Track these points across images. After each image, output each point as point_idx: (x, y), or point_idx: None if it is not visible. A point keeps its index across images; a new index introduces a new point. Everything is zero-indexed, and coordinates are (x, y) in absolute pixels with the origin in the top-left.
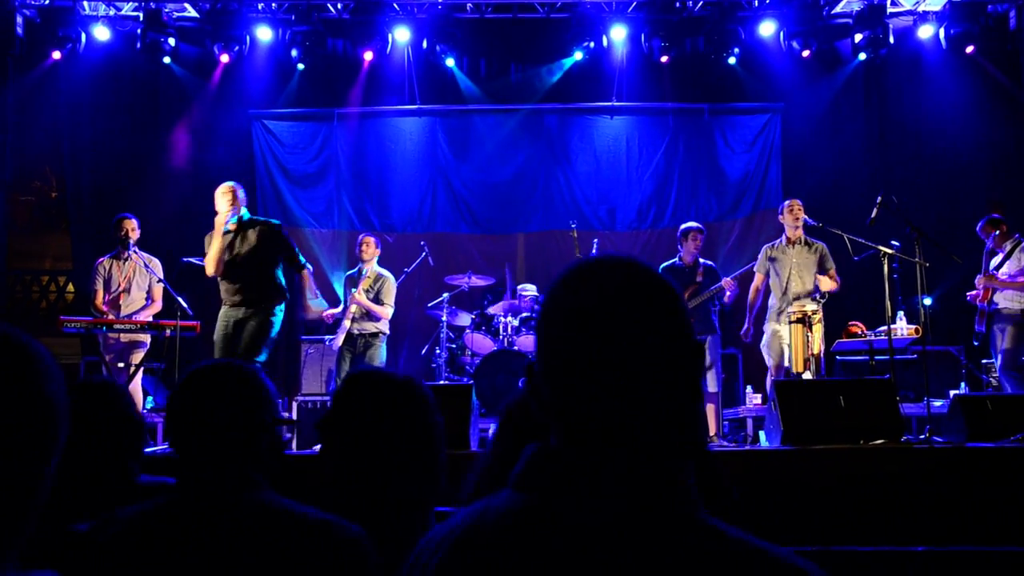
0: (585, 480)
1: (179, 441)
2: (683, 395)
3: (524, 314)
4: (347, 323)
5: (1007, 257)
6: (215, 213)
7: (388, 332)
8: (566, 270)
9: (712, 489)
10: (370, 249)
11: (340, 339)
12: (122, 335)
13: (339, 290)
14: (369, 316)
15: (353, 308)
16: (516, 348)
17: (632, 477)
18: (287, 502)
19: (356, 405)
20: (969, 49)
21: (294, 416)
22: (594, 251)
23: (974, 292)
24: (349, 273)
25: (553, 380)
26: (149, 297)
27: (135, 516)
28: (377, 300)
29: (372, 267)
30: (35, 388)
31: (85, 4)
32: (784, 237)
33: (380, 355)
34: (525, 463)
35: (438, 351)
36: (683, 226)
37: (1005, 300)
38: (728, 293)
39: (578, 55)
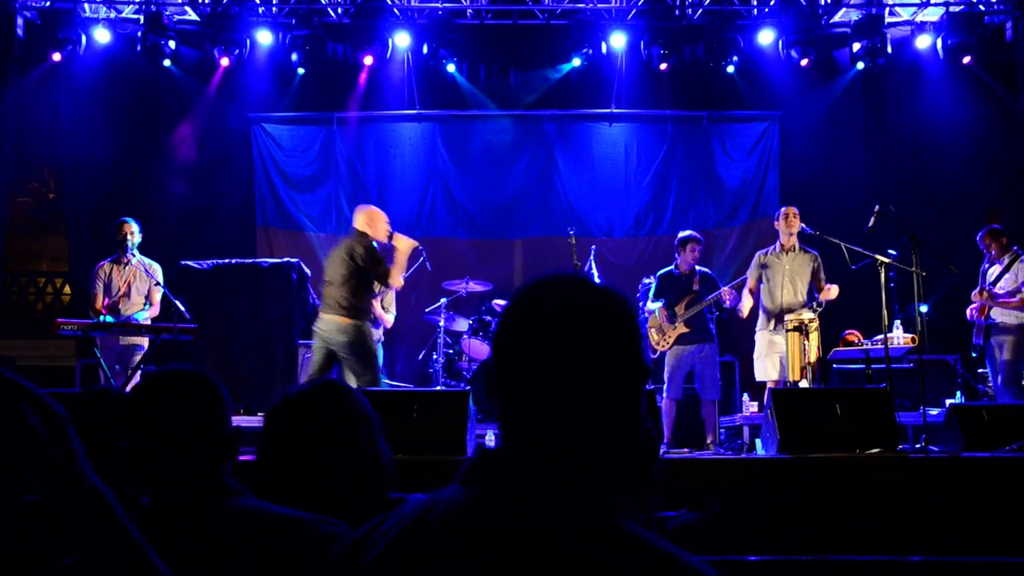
0: (519, 481)
1: (142, 451)
2: (618, 411)
3: None
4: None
5: (1005, 270)
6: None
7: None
8: (522, 285)
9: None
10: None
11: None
12: (120, 338)
13: None
14: (372, 323)
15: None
16: None
17: (560, 482)
18: (264, 505)
19: (278, 420)
20: (966, 59)
21: None
22: (592, 258)
23: (973, 306)
24: None
25: (499, 387)
26: (148, 301)
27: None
28: (382, 308)
29: None
30: None
31: (86, 6)
32: (778, 244)
33: (380, 358)
34: (472, 460)
35: (435, 356)
36: (681, 234)
37: (1002, 315)
38: (728, 301)
39: (576, 61)
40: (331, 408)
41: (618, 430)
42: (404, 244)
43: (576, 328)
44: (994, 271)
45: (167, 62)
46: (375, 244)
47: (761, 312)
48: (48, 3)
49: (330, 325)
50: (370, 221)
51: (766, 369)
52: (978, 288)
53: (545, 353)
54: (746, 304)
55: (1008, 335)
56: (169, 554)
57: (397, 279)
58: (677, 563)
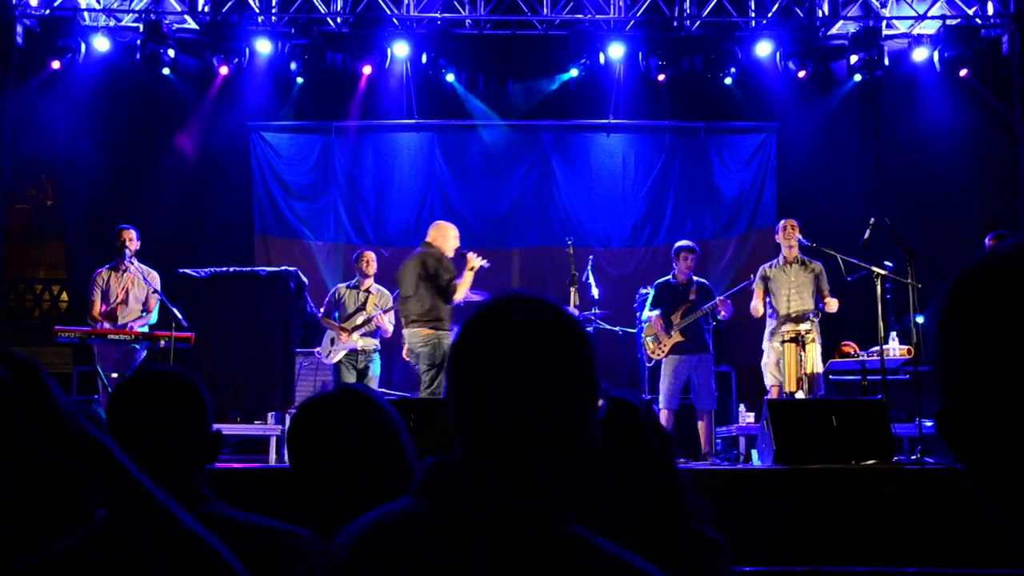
0: (472, 492)
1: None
2: (570, 424)
3: None
4: (356, 340)
5: None
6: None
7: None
8: (483, 303)
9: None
10: (373, 265)
11: (340, 354)
12: (117, 345)
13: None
14: (373, 333)
15: (359, 322)
16: None
17: (512, 492)
18: (236, 513)
19: (313, 427)
20: (963, 72)
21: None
22: (589, 268)
23: None
24: (346, 286)
25: (454, 401)
26: (145, 309)
27: (73, 544)
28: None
29: (373, 284)
30: None
31: (85, 14)
32: (781, 257)
33: (378, 369)
34: (425, 472)
35: None
36: (676, 244)
37: None
38: (723, 312)
39: (574, 72)
40: (350, 416)
41: (571, 442)
42: (474, 263)
43: (529, 346)
44: None
45: (166, 70)
46: (447, 257)
47: (768, 323)
48: (48, 11)
49: (412, 337)
50: (441, 235)
51: (768, 377)
52: None
53: (499, 369)
54: (754, 315)
55: None
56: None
57: (461, 294)
58: (630, 568)
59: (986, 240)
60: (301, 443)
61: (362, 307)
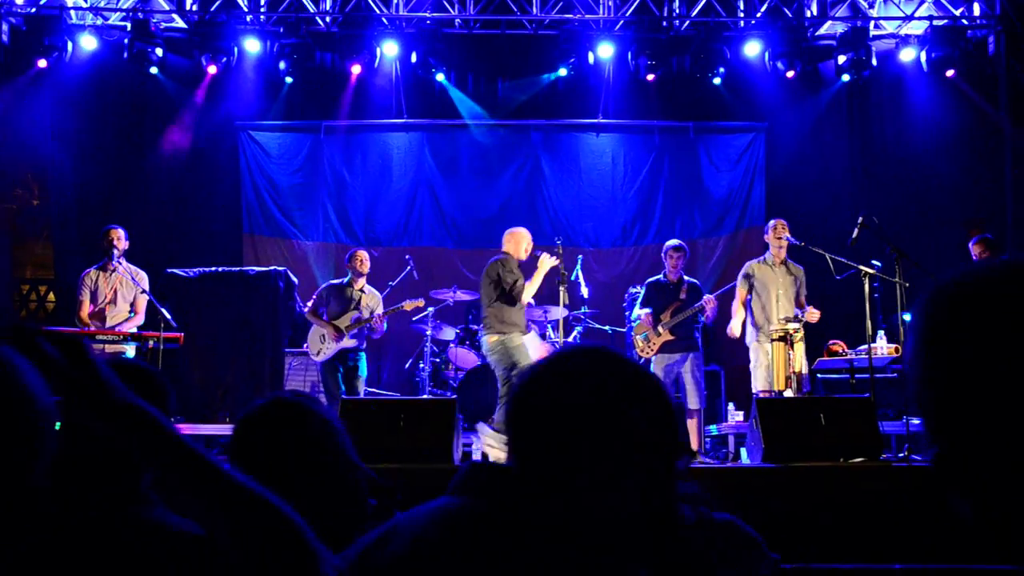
0: (524, 495)
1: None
2: (626, 458)
3: None
4: (347, 341)
5: None
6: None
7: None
8: (551, 357)
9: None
10: (367, 264)
11: (329, 353)
12: (106, 346)
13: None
14: (361, 332)
15: (351, 323)
16: None
17: (558, 505)
18: (172, 519)
19: (263, 431)
20: (949, 73)
21: None
22: (579, 267)
23: None
24: (336, 284)
25: (516, 437)
26: (133, 309)
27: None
28: (371, 315)
29: (365, 284)
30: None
31: (72, 13)
32: (768, 255)
33: (364, 367)
34: (464, 475)
35: (422, 365)
36: (666, 244)
37: None
38: (708, 311)
39: (563, 71)
40: (287, 427)
41: (612, 471)
42: (544, 263)
43: (612, 405)
44: None
45: (154, 69)
46: (517, 261)
47: (752, 324)
48: (34, 9)
49: (484, 346)
50: (512, 241)
51: (758, 380)
52: None
53: (578, 431)
54: (737, 321)
55: None
56: (72, 559)
57: (527, 294)
58: None
59: (970, 244)
60: (241, 456)
61: (356, 306)
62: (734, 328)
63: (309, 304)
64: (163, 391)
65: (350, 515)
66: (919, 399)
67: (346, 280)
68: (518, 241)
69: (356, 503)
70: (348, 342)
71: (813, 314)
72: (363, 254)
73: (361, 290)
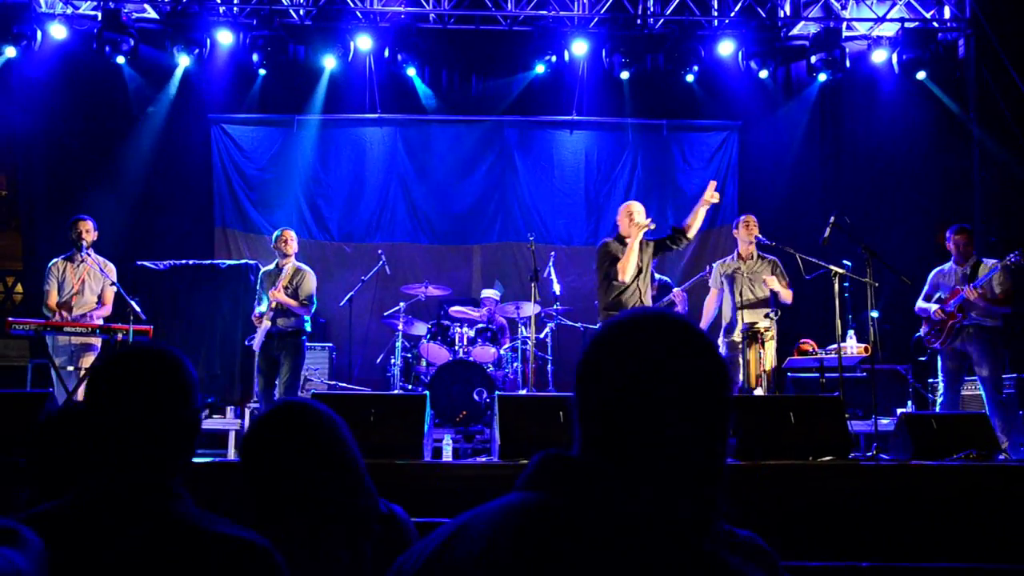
0: (609, 488)
1: (92, 437)
2: (710, 442)
3: (480, 325)
4: (267, 322)
5: (973, 273)
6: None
7: (309, 330)
8: (619, 319)
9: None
10: (292, 244)
11: (260, 339)
12: (73, 338)
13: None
14: (287, 313)
15: (272, 305)
16: (471, 359)
17: (648, 498)
18: (202, 516)
19: (279, 435)
20: (920, 75)
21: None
22: (551, 264)
23: (946, 304)
24: (267, 270)
25: (588, 409)
26: (100, 300)
27: (43, 513)
28: (295, 296)
29: (291, 263)
30: None
31: (41, 1)
32: (736, 252)
33: (301, 353)
34: (537, 467)
35: (393, 360)
36: None
37: (979, 317)
38: (678, 305)
39: (540, 68)
40: (297, 432)
41: (707, 460)
42: (634, 232)
43: (683, 369)
44: (956, 274)
45: (125, 60)
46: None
47: (723, 320)
48: None
49: None
50: (621, 219)
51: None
52: (969, 286)
53: (652, 390)
54: (708, 312)
55: (985, 338)
56: (99, 555)
57: (625, 267)
58: None
59: (948, 233)
60: (254, 460)
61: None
62: (704, 319)
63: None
64: (184, 378)
65: (364, 514)
66: None
67: (274, 265)
68: (623, 216)
69: (368, 502)
70: (267, 323)
71: (775, 282)
72: (289, 233)
73: (280, 267)
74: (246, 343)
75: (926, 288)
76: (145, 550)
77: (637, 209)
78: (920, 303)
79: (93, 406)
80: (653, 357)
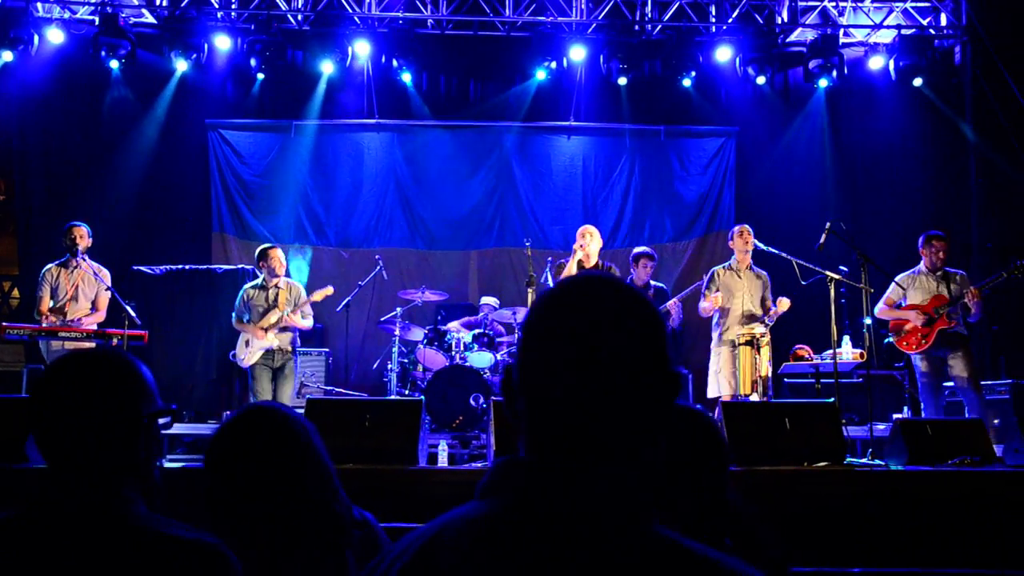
0: (553, 489)
1: (42, 445)
2: (653, 419)
3: (477, 330)
4: (270, 339)
5: (945, 281)
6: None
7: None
8: (554, 286)
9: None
10: (283, 265)
11: (257, 355)
12: (67, 343)
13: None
14: (287, 330)
15: (273, 320)
16: (468, 364)
17: (593, 488)
18: (157, 520)
19: (248, 438)
20: (917, 81)
21: None
22: (548, 270)
23: (939, 311)
24: (254, 285)
25: (530, 392)
26: (94, 306)
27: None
28: (300, 314)
29: (282, 280)
30: None
31: (39, 6)
32: (733, 260)
33: (295, 368)
34: (493, 474)
35: (390, 365)
36: (635, 251)
37: (959, 325)
38: (673, 316)
39: (541, 75)
40: (263, 438)
41: (651, 438)
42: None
43: (621, 335)
44: (931, 279)
45: (122, 64)
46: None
47: (716, 328)
48: None
49: None
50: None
51: (720, 385)
52: (977, 286)
53: (588, 360)
54: (705, 304)
55: (961, 346)
56: (53, 561)
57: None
58: (719, 568)
59: (930, 240)
60: (219, 465)
61: (274, 304)
62: (707, 308)
63: (233, 312)
64: (134, 381)
65: (339, 520)
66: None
67: (261, 280)
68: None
69: (342, 508)
70: (272, 340)
71: (783, 302)
72: (277, 252)
73: (276, 286)
74: (230, 358)
75: (891, 293)
76: (99, 555)
77: (580, 233)
78: (884, 308)
79: (39, 411)
80: (561, 329)
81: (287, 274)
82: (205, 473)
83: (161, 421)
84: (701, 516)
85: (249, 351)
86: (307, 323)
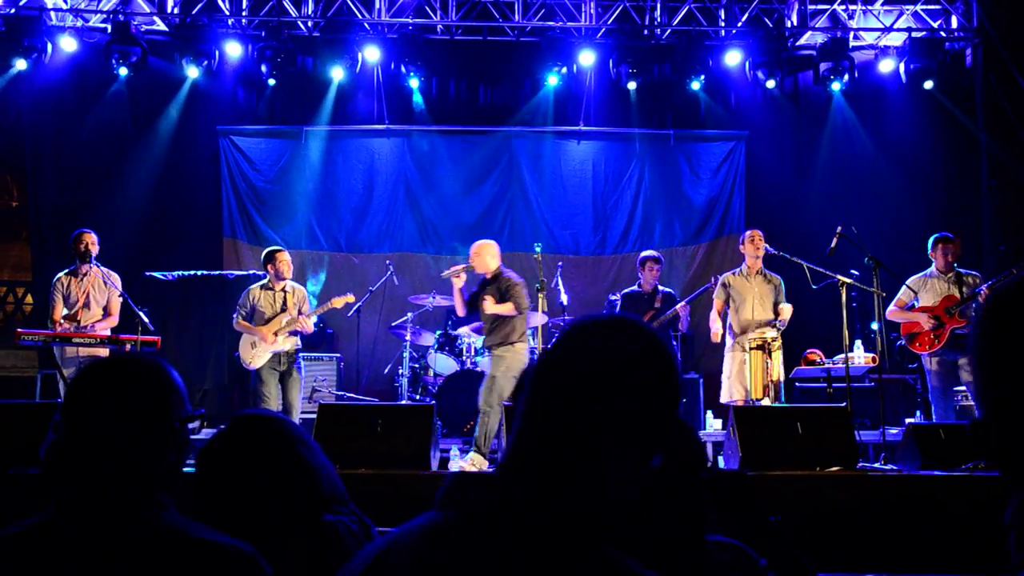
0: (499, 506)
1: (70, 450)
2: (612, 446)
3: None
4: (282, 343)
5: (959, 284)
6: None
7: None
8: (574, 321)
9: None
10: (290, 268)
11: (265, 358)
12: (81, 349)
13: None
14: (296, 333)
15: (284, 324)
16: (479, 369)
17: (542, 507)
18: (190, 525)
19: (244, 444)
20: (928, 84)
21: None
22: (558, 275)
23: (941, 311)
24: (260, 286)
25: (521, 407)
26: (106, 312)
27: (26, 529)
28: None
29: (289, 284)
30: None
31: (52, 14)
32: (744, 266)
33: (302, 371)
34: (449, 486)
35: (401, 370)
36: (642, 254)
37: (970, 327)
38: (682, 319)
39: (553, 80)
40: (252, 444)
41: (608, 464)
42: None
43: (608, 378)
44: (942, 281)
45: (134, 72)
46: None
47: (729, 334)
48: (13, 10)
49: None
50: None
51: (733, 390)
52: (990, 284)
53: (568, 386)
54: (717, 327)
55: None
56: (86, 566)
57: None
58: None
59: (939, 242)
60: (207, 473)
61: (283, 308)
62: (716, 335)
63: (235, 315)
64: (167, 387)
65: (320, 533)
66: (975, 375)
67: (266, 281)
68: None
69: (327, 520)
70: (281, 344)
71: (785, 310)
72: (286, 256)
73: (284, 290)
74: (234, 357)
75: (902, 295)
76: (134, 560)
77: (473, 251)
78: (895, 310)
79: (72, 417)
80: (591, 363)
81: (294, 278)
82: (195, 480)
83: (189, 425)
84: (678, 525)
85: (255, 353)
86: (308, 326)
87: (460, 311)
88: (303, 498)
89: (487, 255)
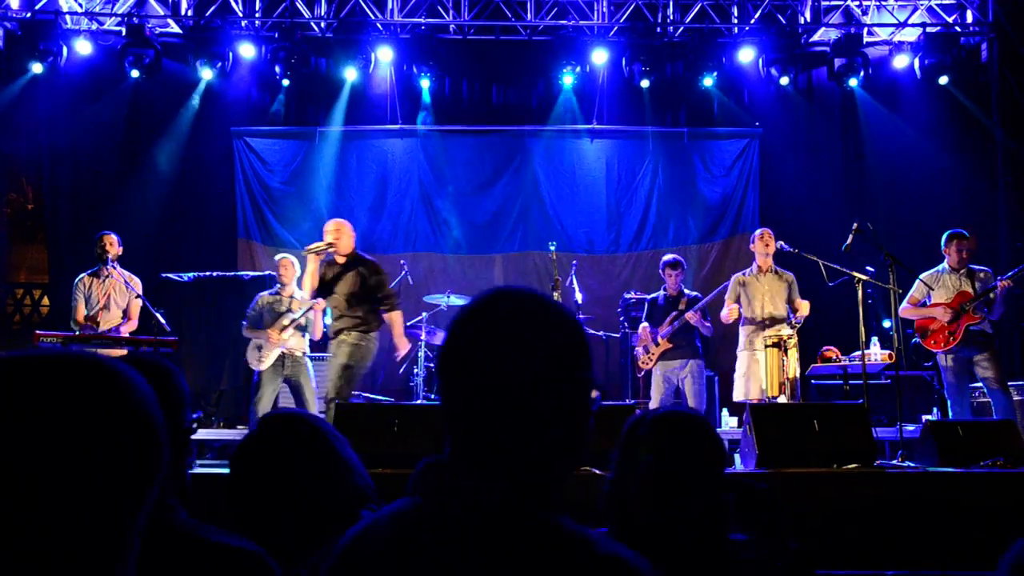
0: (462, 487)
1: None
2: (559, 421)
3: None
4: (285, 339)
5: (970, 280)
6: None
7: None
8: (476, 297)
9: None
10: (292, 271)
11: (271, 358)
12: (99, 351)
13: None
14: (300, 336)
15: (289, 327)
16: None
17: (502, 486)
18: (200, 527)
19: (274, 446)
20: (942, 80)
21: None
22: (573, 273)
23: (954, 307)
24: (269, 293)
25: (445, 398)
26: (126, 315)
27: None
28: (310, 321)
29: (294, 288)
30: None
31: (67, 18)
32: (755, 266)
33: (311, 373)
34: (418, 472)
35: (416, 370)
36: (663, 260)
37: (985, 322)
38: (701, 324)
39: (568, 80)
40: (285, 441)
41: (557, 439)
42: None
43: (525, 341)
44: (954, 278)
45: (149, 74)
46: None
47: (742, 332)
48: (29, 14)
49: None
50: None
51: (747, 389)
52: (1005, 277)
53: (493, 363)
54: (731, 312)
55: (987, 347)
56: None
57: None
58: (618, 561)
59: (952, 239)
60: (241, 472)
61: (288, 312)
62: (729, 315)
63: (244, 323)
64: (180, 390)
65: (360, 520)
66: None
67: (275, 289)
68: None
69: (356, 510)
70: (287, 341)
71: (802, 307)
72: (286, 260)
73: (291, 296)
74: (253, 364)
75: (915, 291)
76: (141, 561)
77: (333, 228)
78: (908, 307)
79: None
80: (477, 339)
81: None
82: (229, 479)
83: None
84: (700, 524)
85: (260, 356)
86: (318, 332)
87: (308, 291)
88: (341, 493)
89: (347, 235)
